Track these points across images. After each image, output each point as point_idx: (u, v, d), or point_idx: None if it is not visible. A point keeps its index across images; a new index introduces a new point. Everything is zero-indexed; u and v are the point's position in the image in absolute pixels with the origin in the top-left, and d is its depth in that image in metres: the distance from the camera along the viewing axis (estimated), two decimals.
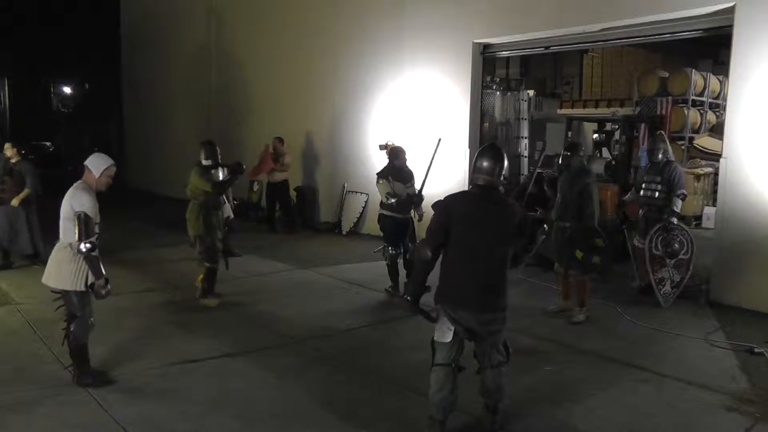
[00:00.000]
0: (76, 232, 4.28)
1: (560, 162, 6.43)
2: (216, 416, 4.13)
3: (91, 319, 4.53)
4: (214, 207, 6.69)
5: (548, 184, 7.32)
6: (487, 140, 10.10)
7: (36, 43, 31.72)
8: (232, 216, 9.14)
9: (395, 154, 7.06)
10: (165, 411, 4.17)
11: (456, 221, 3.68)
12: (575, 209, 6.09)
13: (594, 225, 6.08)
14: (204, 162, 6.86)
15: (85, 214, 4.30)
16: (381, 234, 7.32)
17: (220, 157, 7.18)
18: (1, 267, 8.01)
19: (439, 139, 6.80)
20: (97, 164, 4.53)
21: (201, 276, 6.64)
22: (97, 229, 4.41)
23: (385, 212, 7.04)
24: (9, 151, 7.99)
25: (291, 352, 5.37)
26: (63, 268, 4.39)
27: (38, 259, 7.96)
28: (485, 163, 3.75)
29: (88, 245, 4.28)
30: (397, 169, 6.99)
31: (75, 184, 4.50)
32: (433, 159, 6.70)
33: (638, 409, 4.33)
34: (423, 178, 6.77)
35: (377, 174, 7.06)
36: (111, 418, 4.03)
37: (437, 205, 3.78)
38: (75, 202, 4.34)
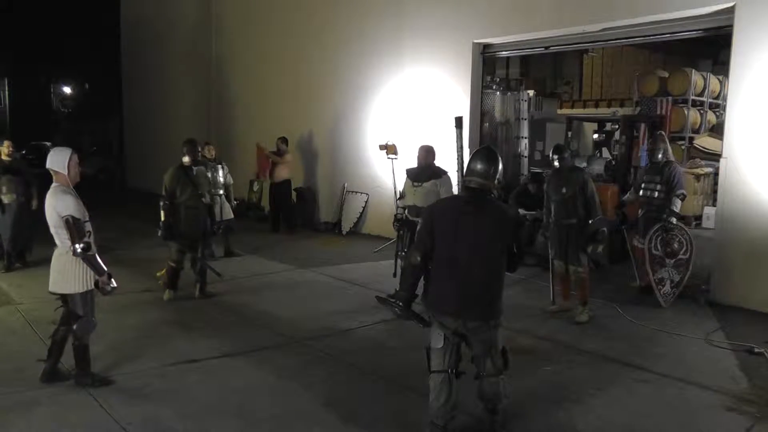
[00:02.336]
0: (68, 236, 4.24)
1: (555, 165, 6.41)
2: (216, 416, 4.12)
3: (94, 318, 4.52)
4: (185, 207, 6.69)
5: (532, 182, 7.33)
6: (488, 140, 10.11)
7: (36, 43, 31.75)
8: (232, 216, 9.16)
9: (419, 152, 7.00)
10: (165, 411, 4.17)
11: (438, 227, 3.64)
12: (582, 205, 6.14)
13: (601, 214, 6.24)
14: (183, 160, 6.77)
15: (72, 217, 4.23)
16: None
17: (200, 154, 7.11)
18: (6, 269, 7.97)
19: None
20: (61, 161, 4.32)
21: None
22: (88, 227, 4.35)
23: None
24: (7, 148, 7.88)
25: (291, 352, 5.37)
26: (68, 273, 4.35)
27: (23, 259, 8.06)
28: (479, 166, 3.64)
29: (82, 245, 4.25)
30: (417, 167, 6.96)
31: (52, 189, 4.35)
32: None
33: (638, 409, 4.33)
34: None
35: None
36: (111, 418, 4.03)
37: (425, 211, 3.75)
38: (59, 207, 4.26)
